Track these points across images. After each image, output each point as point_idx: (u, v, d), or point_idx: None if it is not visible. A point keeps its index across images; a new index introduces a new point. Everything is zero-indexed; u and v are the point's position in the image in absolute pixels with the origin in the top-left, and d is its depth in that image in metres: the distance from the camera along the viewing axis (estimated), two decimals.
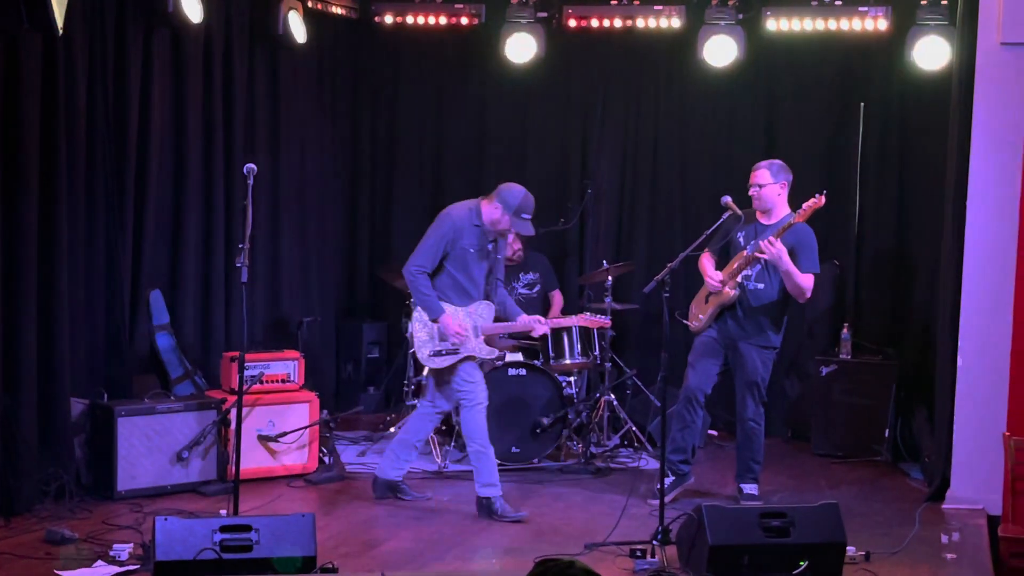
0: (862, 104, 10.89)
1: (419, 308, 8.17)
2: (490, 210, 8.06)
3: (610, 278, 10.17)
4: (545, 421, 9.45)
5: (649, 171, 11.57)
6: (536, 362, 9.72)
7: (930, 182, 10.12)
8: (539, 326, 8.26)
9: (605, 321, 8.77)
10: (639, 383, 10.55)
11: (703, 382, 8.43)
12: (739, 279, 8.26)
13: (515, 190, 8.05)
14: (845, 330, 10.53)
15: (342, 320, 11.78)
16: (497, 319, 8.24)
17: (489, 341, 8.27)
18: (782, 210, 8.36)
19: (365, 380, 11.60)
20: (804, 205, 7.96)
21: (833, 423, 10.35)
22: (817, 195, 7.91)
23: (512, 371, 9.49)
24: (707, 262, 8.48)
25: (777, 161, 8.40)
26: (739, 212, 8.04)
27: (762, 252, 8.04)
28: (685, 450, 8.49)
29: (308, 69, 11.11)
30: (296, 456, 9.21)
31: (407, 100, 11.89)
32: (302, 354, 9.44)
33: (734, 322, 8.36)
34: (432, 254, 8.06)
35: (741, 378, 8.43)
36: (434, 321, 8.06)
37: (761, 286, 8.36)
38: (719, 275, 8.33)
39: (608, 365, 9.97)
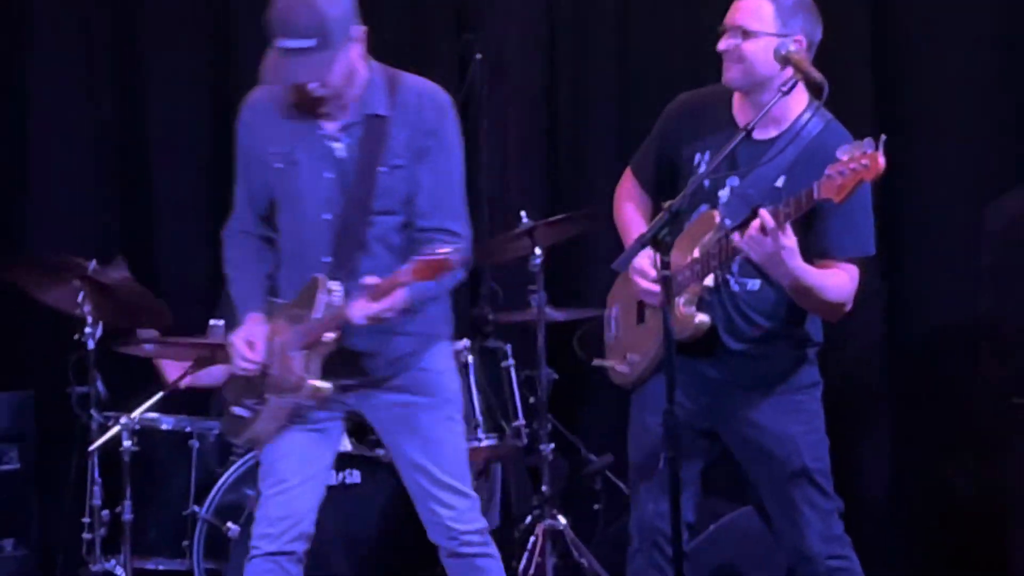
0: None
1: None
2: None
3: (538, 250, 7.39)
4: None
5: (611, 7, 8.06)
6: (380, 452, 6.57)
7: None
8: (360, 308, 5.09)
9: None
10: (620, 484, 7.57)
11: (667, 506, 5.61)
12: (707, 282, 5.42)
13: None
14: None
15: None
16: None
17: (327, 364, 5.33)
18: (796, 106, 5.27)
19: None
20: (841, 157, 4.80)
21: None
22: (867, 144, 4.76)
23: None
24: (632, 223, 5.57)
25: None
26: (812, 72, 5.03)
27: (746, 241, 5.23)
28: None
29: None
30: None
31: None
32: None
33: (712, 361, 5.51)
34: (238, 188, 5.59)
35: (771, 472, 5.49)
36: None
37: (755, 285, 5.49)
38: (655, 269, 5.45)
39: (547, 448, 7.26)
